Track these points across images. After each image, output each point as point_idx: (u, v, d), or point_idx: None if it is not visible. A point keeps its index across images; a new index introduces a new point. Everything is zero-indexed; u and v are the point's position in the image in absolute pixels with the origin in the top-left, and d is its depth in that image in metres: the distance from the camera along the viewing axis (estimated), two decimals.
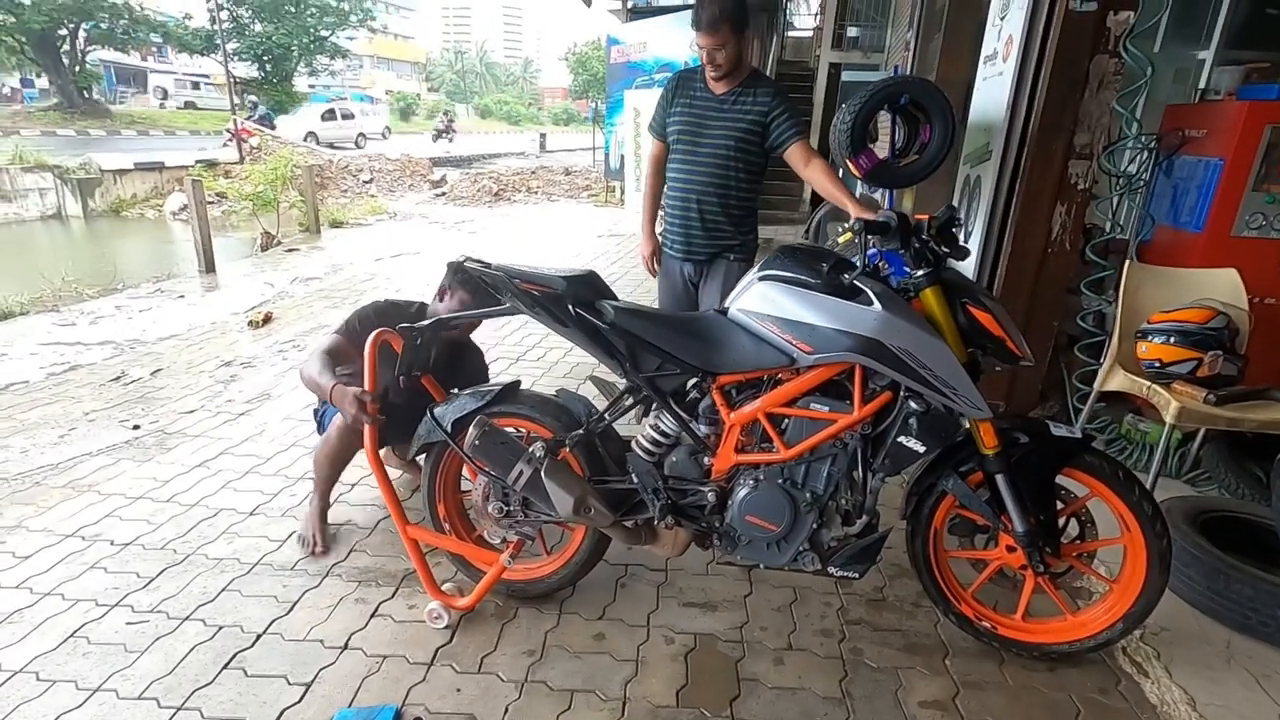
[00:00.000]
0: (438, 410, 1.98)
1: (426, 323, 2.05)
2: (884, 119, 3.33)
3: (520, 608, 2.05)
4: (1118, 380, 2.56)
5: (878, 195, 5.65)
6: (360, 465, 2.43)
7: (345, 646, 1.88)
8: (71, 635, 1.91)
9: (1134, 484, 1.67)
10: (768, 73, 10.07)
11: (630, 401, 1.88)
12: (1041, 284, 2.93)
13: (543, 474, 1.79)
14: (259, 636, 1.91)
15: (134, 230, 13.07)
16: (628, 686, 1.76)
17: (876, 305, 1.54)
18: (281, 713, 1.66)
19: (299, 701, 1.70)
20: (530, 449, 1.84)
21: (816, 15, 12.42)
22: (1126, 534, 1.71)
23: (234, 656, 1.84)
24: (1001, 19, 3.05)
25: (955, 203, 3.42)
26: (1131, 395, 2.79)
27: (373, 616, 2.00)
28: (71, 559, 2.24)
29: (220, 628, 1.94)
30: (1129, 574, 1.74)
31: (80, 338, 4.75)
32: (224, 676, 1.77)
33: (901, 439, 1.63)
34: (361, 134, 23.80)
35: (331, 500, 2.43)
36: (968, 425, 1.66)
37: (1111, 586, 1.80)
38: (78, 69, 24.53)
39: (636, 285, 6.12)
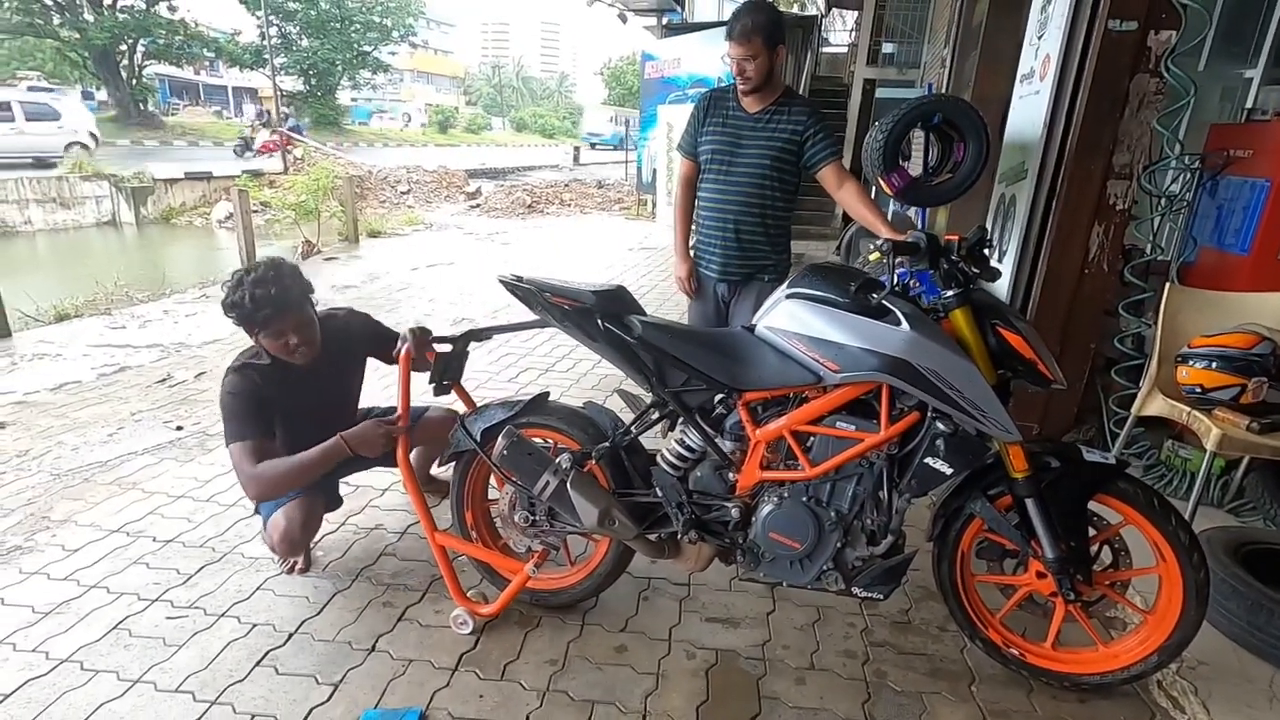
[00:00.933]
0: (468, 420, 2.03)
1: (459, 334, 2.10)
2: (917, 137, 3.32)
3: (543, 617, 2.07)
4: (1156, 405, 2.49)
5: (911, 214, 5.61)
6: (391, 471, 2.50)
7: (372, 649, 1.92)
8: (115, 627, 1.98)
9: (1170, 512, 1.63)
10: (802, 88, 10.09)
11: (656, 415, 1.90)
12: (1078, 305, 2.88)
13: (568, 486, 1.81)
14: (290, 635, 1.97)
15: (182, 237, 13.57)
16: (648, 700, 1.76)
17: (904, 325, 1.54)
18: (310, 711, 1.70)
19: (327, 701, 1.74)
20: (557, 460, 1.86)
21: (852, 31, 12.40)
22: (1162, 563, 1.67)
23: (266, 654, 1.89)
24: (1039, 38, 3.02)
25: (989, 222, 3.38)
26: (1171, 421, 2.72)
27: (399, 620, 2.04)
28: (116, 554, 2.33)
29: (254, 625, 2.00)
30: (1164, 605, 1.69)
31: (130, 340, 4.94)
32: (256, 673, 1.82)
33: (928, 460, 1.61)
34: (78, 143, 16.19)
35: (359, 507, 2.49)
36: (997, 448, 1.64)
37: (1146, 617, 1.75)
38: (135, 82, 25.61)
39: (665, 299, 6.15)
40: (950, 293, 1.59)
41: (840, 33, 14.38)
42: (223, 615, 2.04)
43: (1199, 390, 2.32)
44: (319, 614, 2.06)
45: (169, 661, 1.86)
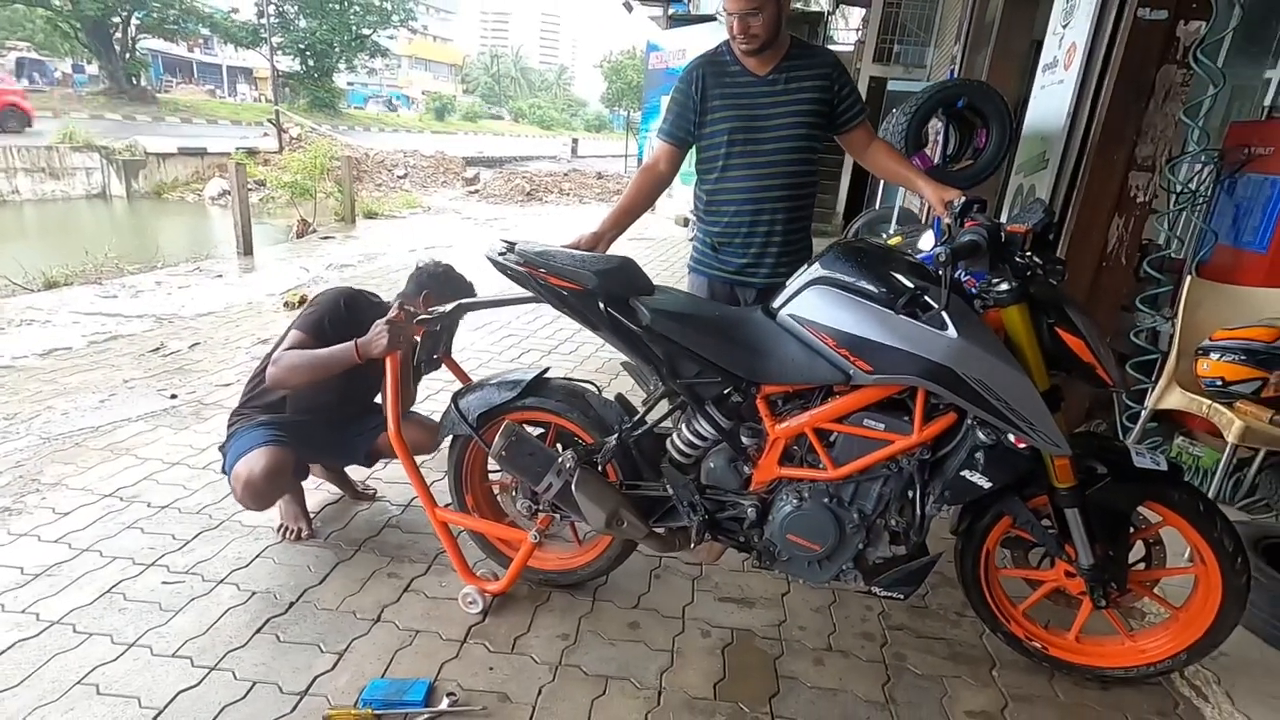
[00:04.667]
0: (463, 401, 1.90)
1: (447, 308, 1.96)
2: (934, 126, 3.29)
3: (553, 593, 2.02)
4: (1174, 399, 2.47)
5: (917, 207, 5.59)
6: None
7: (378, 619, 1.86)
8: (108, 591, 1.91)
9: (1215, 516, 1.54)
10: None
11: (668, 405, 1.78)
12: (1095, 298, 2.84)
13: (574, 488, 1.70)
14: (292, 604, 1.90)
15: (174, 212, 13.37)
16: (663, 676, 1.72)
17: (951, 330, 1.37)
18: (314, 679, 1.64)
19: (332, 669, 1.68)
20: (560, 460, 1.74)
21: (858, 30, 12.38)
22: (1200, 566, 1.61)
23: (267, 622, 1.83)
24: (1064, 26, 2.99)
25: (1005, 213, 3.35)
26: (1184, 417, 2.69)
27: (405, 591, 1.98)
28: (109, 518, 2.25)
29: (254, 593, 1.94)
30: (1198, 605, 1.63)
31: (121, 310, 4.83)
32: (257, 640, 1.76)
33: (965, 473, 1.49)
34: None
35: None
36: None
37: (1176, 614, 1.70)
38: (128, 56, 25.16)
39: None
40: (1005, 287, 1.41)
41: (846, 31, 14.36)
42: (221, 582, 1.98)
43: (1220, 383, 2.30)
44: (321, 583, 2.00)
45: (165, 626, 1.79)
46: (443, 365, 2.12)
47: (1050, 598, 1.77)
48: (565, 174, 17.36)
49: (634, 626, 1.89)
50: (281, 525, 2.22)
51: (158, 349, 3.96)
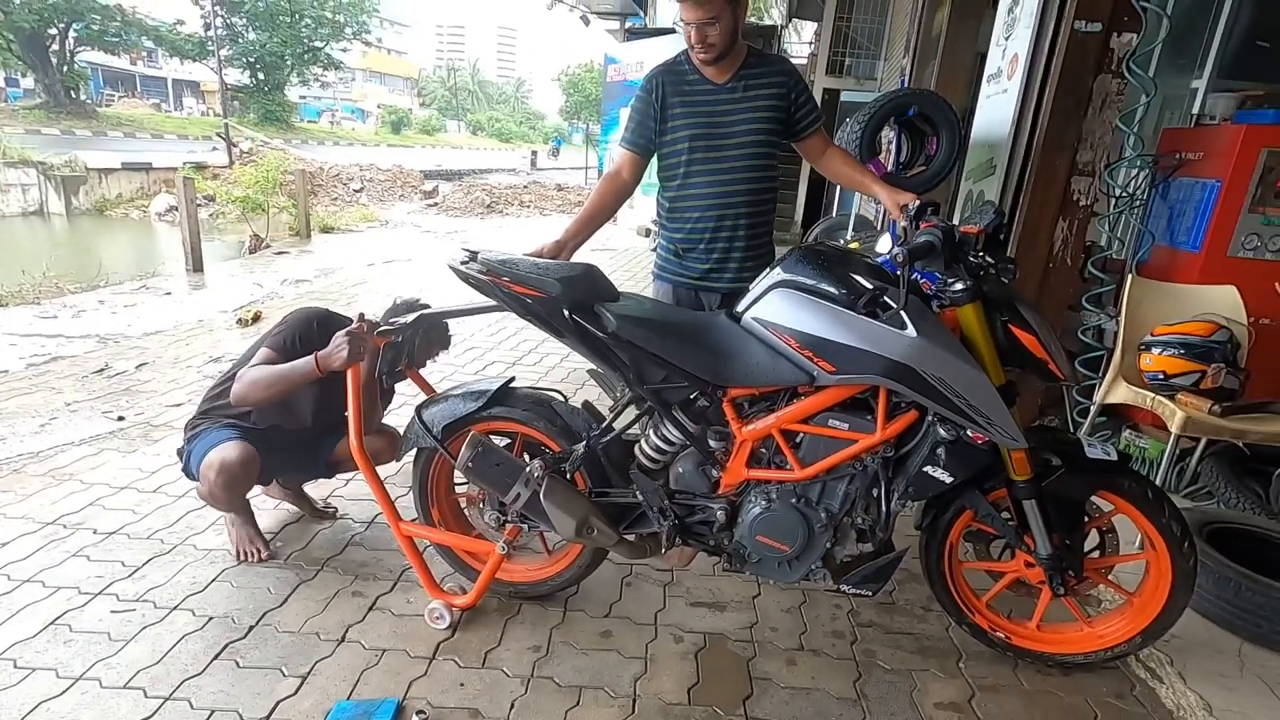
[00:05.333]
0: (427, 412, 1.87)
1: (409, 319, 1.93)
2: (887, 135, 3.38)
3: (523, 605, 1.99)
4: (1120, 393, 2.57)
5: (872, 214, 5.72)
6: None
7: (343, 639, 1.81)
8: (52, 623, 1.82)
9: (1164, 504, 1.61)
10: None
11: (634, 411, 1.79)
12: (1043, 299, 2.95)
13: (542, 498, 1.68)
14: (251, 628, 1.83)
15: (118, 229, 12.90)
16: (638, 684, 1.70)
17: (910, 329, 1.41)
18: (277, 704, 1.59)
19: (295, 693, 1.62)
20: (527, 470, 1.73)
21: (811, 43, 12.69)
22: (1151, 551, 1.67)
23: (225, 647, 1.76)
24: (1006, 38, 3.11)
25: (957, 217, 3.45)
26: (1131, 411, 2.80)
27: (370, 610, 1.93)
28: (52, 546, 2.15)
29: (211, 618, 1.86)
30: (1150, 590, 1.70)
31: (62, 330, 4.62)
32: (215, 667, 1.69)
33: (927, 469, 1.53)
34: None
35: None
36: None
37: (1130, 599, 1.76)
38: (66, 69, 24.26)
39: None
40: (960, 286, 1.46)
41: (800, 44, 14.71)
42: (175, 608, 1.90)
43: (1162, 376, 2.40)
44: (282, 605, 1.93)
45: (115, 657, 1.71)
46: (407, 378, 2.08)
47: (1012, 588, 1.82)
48: (525, 186, 17.31)
49: (606, 635, 1.88)
50: (237, 551, 2.14)
51: (102, 370, 3.80)
